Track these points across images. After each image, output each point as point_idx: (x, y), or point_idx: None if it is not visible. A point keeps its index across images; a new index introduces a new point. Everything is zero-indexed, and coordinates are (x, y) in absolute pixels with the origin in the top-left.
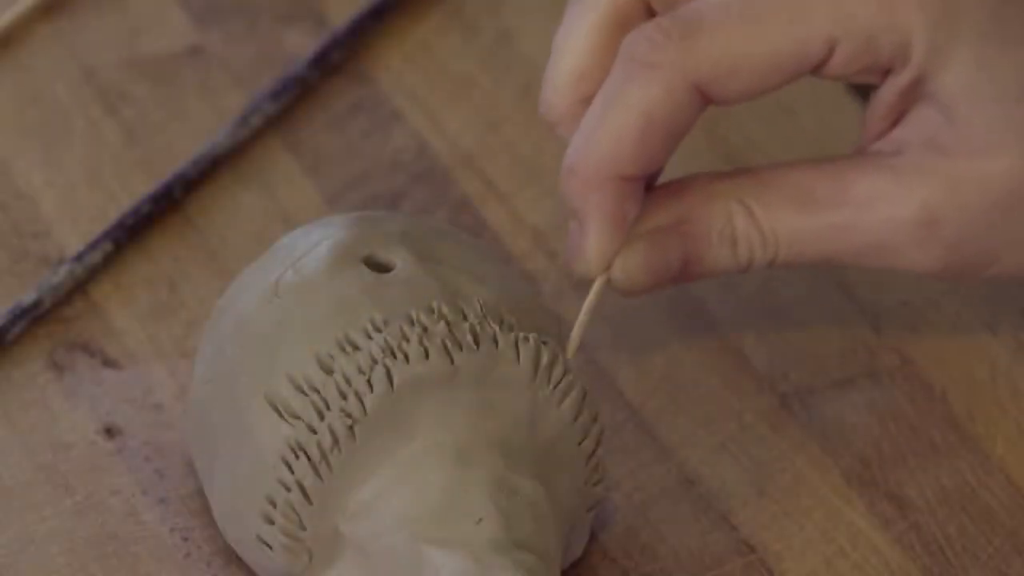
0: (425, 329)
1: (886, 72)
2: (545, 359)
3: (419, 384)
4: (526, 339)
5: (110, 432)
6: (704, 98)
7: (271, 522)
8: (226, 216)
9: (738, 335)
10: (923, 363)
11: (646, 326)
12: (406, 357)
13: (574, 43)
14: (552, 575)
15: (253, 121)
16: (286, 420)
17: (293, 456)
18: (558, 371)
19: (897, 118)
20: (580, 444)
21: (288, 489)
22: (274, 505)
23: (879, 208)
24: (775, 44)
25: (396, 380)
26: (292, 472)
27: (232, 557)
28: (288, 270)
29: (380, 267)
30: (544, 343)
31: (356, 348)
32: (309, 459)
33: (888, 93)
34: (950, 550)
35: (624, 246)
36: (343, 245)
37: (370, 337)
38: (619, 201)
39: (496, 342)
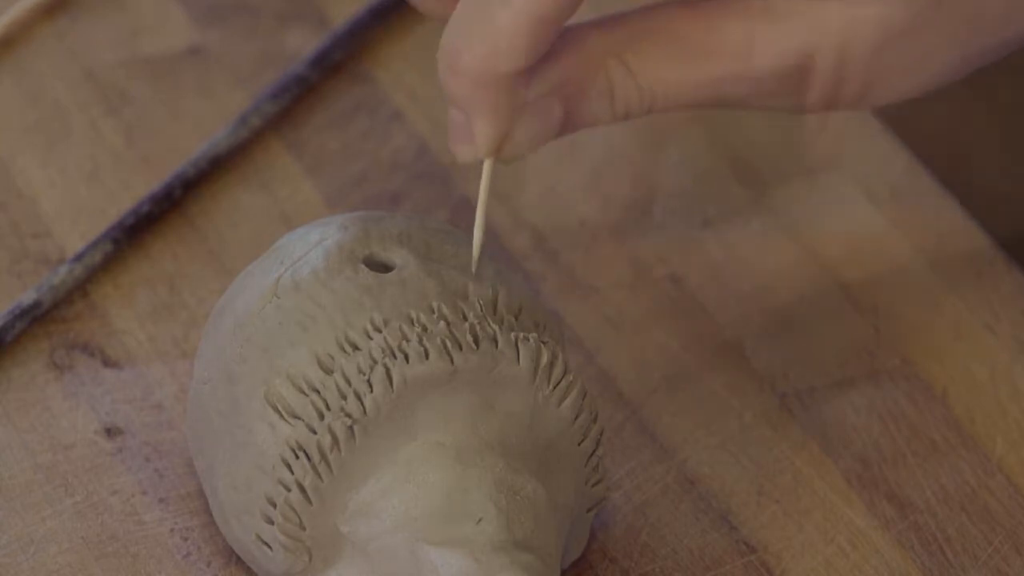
0: (425, 329)
1: None
2: (545, 359)
3: (419, 384)
4: (526, 339)
5: (110, 432)
6: None
7: (271, 522)
8: (226, 216)
9: (738, 335)
10: (923, 363)
11: (646, 326)
12: (406, 357)
13: None
14: (552, 575)
15: (253, 121)
16: (286, 420)
17: (293, 456)
18: (558, 371)
19: None
20: (580, 444)
21: (288, 489)
22: (274, 505)
23: (755, 56)
24: None
25: (396, 380)
26: (292, 472)
27: (232, 557)
28: (288, 270)
29: (380, 267)
30: (544, 343)
31: (356, 348)
32: (309, 459)
33: None
34: (950, 550)
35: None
36: (343, 245)
37: (370, 337)
38: (509, 94)
39: (496, 342)
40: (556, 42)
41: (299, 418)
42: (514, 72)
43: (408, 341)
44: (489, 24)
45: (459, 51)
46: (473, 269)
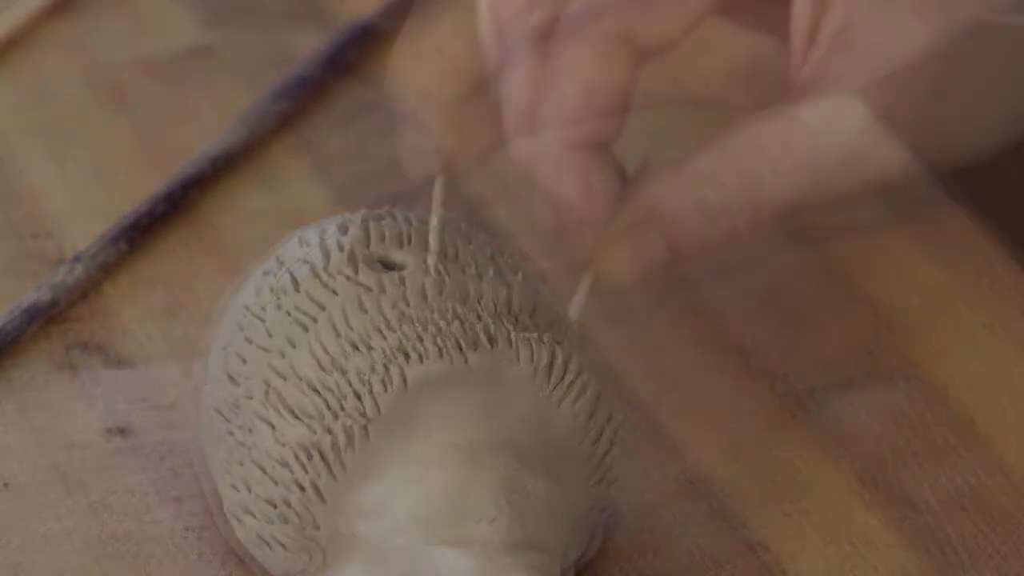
0: (437, 328)
1: None
2: (558, 359)
3: (421, 384)
4: (538, 339)
5: (122, 431)
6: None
7: (272, 522)
8: (234, 216)
9: (741, 336)
10: (925, 363)
11: (650, 327)
12: (418, 356)
13: None
14: (559, 574)
15: (261, 121)
16: (294, 420)
17: (303, 456)
18: (571, 371)
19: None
20: (591, 444)
21: (296, 489)
22: (275, 506)
23: (835, 123)
24: None
25: (396, 380)
26: (301, 472)
27: (244, 556)
28: (288, 271)
29: (389, 266)
30: (556, 343)
31: (356, 349)
32: (310, 460)
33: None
34: (952, 550)
35: (606, 241)
36: (343, 245)
37: (370, 337)
38: (460, 109)
39: (508, 341)
40: (638, 175)
41: (299, 419)
42: (464, 91)
43: (420, 340)
44: (440, 47)
45: (408, 69)
46: (431, 270)
